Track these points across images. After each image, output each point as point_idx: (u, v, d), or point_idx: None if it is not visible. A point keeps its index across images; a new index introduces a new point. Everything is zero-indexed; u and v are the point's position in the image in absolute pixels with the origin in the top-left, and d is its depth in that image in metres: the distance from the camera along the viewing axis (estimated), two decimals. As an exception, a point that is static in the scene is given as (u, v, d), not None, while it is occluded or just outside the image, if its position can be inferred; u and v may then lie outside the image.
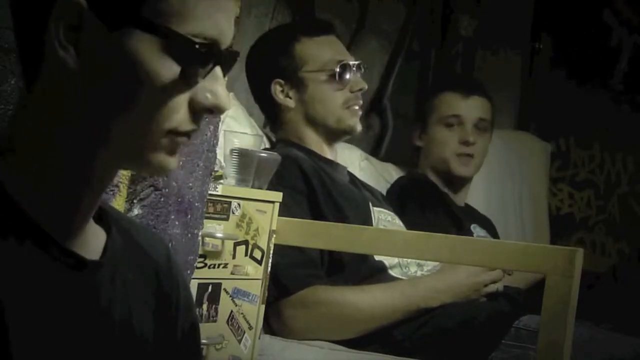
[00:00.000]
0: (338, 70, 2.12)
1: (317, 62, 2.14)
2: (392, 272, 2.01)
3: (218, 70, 0.84)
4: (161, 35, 0.79)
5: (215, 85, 0.84)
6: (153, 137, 0.82)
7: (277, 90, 2.15)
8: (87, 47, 0.80)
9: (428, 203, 2.46)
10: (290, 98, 2.15)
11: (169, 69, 0.80)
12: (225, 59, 0.85)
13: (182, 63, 0.81)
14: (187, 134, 0.84)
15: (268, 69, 2.15)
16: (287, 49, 2.15)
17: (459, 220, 2.48)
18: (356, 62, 2.16)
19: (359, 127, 2.17)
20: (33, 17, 0.81)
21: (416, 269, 2.06)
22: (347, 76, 2.13)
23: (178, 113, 0.82)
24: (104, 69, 0.80)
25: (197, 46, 0.80)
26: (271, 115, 2.23)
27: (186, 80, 0.82)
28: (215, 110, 0.84)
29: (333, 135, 2.17)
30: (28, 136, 0.83)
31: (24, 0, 0.82)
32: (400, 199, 2.41)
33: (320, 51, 2.15)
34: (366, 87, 2.18)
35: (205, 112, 0.84)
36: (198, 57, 0.81)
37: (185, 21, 0.80)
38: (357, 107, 2.16)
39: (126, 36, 0.79)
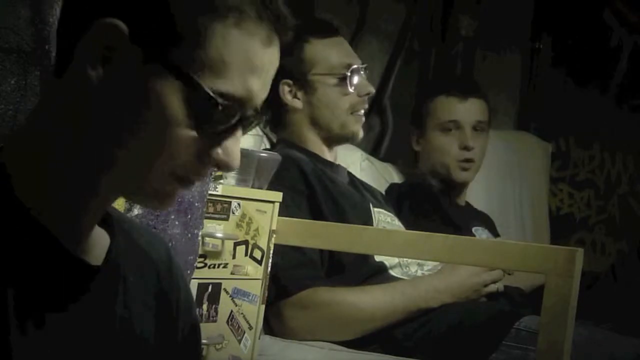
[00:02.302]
0: (349, 74, 2.11)
1: (326, 65, 2.13)
2: (392, 272, 2.00)
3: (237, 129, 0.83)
4: (187, 84, 0.79)
5: (230, 143, 0.83)
6: (154, 175, 0.81)
7: (286, 91, 2.14)
8: (115, 71, 0.80)
9: (425, 210, 2.45)
10: (299, 99, 2.14)
11: (185, 118, 0.79)
12: (248, 119, 0.84)
13: (200, 116, 0.80)
14: (189, 183, 0.84)
15: (279, 70, 2.13)
16: (296, 49, 2.13)
17: (458, 226, 2.46)
18: (363, 65, 2.15)
19: (361, 134, 2.17)
20: (74, 24, 0.82)
21: (417, 268, 2.05)
22: (357, 81, 2.12)
23: (185, 159, 0.81)
24: (123, 95, 0.80)
25: (219, 106, 0.79)
26: (276, 115, 2.22)
27: (200, 132, 0.80)
28: (223, 168, 0.84)
29: (334, 139, 2.17)
30: (41, 142, 0.82)
31: (72, 7, 0.83)
32: (397, 206, 2.39)
33: (329, 54, 2.14)
34: (374, 91, 2.18)
35: (212, 166, 0.83)
36: (218, 115, 0.80)
37: (216, 77, 0.79)
38: (362, 112, 2.15)
39: (155, 72, 0.79)
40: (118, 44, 0.79)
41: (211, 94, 0.79)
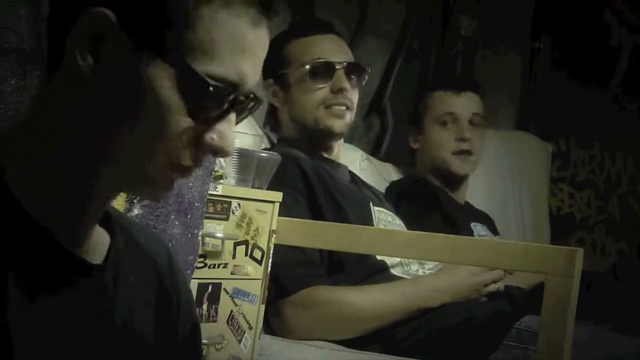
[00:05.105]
0: (308, 68, 2.08)
1: (299, 61, 2.11)
2: (393, 271, 2.00)
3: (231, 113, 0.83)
4: (178, 68, 0.79)
5: (224, 128, 0.82)
6: (153, 165, 0.81)
7: (269, 90, 2.15)
8: (106, 60, 0.79)
9: (425, 208, 2.45)
10: (278, 97, 2.15)
11: (179, 104, 0.79)
12: (242, 103, 0.83)
13: (192, 100, 0.80)
14: (185, 170, 0.83)
15: (265, 70, 2.13)
16: (278, 49, 2.12)
17: (457, 223, 2.47)
18: (344, 62, 2.10)
19: (338, 129, 2.11)
20: (62, 18, 0.82)
21: (417, 267, 2.05)
22: (322, 74, 2.08)
23: (180, 147, 0.81)
24: (117, 85, 0.80)
25: (210, 88, 0.79)
26: (269, 114, 2.23)
27: (194, 117, 0.80)
28: (218, 153, 0.83)
29: (314, 136, 2.13)
30: (37, 141, 0.82)
31: (60, 1, 0.83)
32: (397, 204, 2.40)
33: (306, 50, 2.12)
34: (348, 87, 2.10)
35: (207, 152, 0.83)
36: (210, 98, 0.80)
37: (207, 60, 0.79)
38: (341, 108, 2.10)
39: (145, 59, 0.79)
40: (107, 33, 0.79)
41: (202, 75, 0.79)
